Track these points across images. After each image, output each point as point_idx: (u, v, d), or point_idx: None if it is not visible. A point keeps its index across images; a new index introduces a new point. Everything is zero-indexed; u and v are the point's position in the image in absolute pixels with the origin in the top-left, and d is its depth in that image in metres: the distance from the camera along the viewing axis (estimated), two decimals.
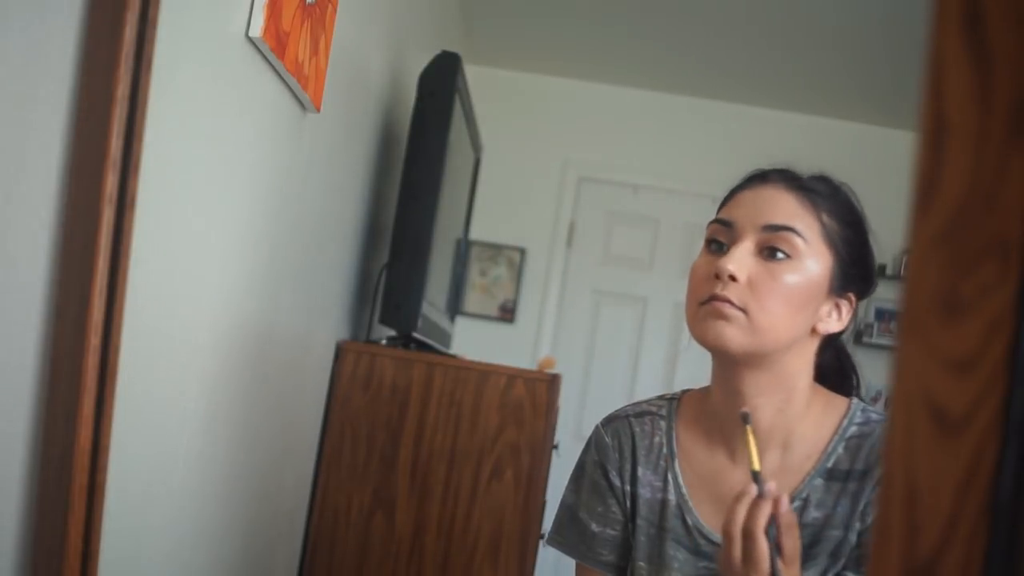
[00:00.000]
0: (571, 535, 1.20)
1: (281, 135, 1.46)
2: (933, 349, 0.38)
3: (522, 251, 4.03)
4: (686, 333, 1.19)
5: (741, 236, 1.04)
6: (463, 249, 3.19)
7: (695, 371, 4.17)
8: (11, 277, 0.79)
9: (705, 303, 1.03)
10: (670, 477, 1.13)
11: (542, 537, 2.20)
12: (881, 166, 3.44)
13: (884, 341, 3.73)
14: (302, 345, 1.82)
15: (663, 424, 1.16)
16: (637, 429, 1.17)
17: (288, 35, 1.31)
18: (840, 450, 1.06)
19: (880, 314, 3.82)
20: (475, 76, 3.07)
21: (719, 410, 1.11)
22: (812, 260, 1.03)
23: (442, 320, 2.61)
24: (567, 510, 1.22)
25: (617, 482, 1.16)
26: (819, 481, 1.05)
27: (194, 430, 1.26)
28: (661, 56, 3.66)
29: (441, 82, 2.11)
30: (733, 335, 1.02)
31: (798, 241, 1.02)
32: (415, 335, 2.14)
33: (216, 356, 1.31)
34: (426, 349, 2.30)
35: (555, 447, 2.18)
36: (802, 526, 1.02)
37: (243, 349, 1.42)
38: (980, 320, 0.37)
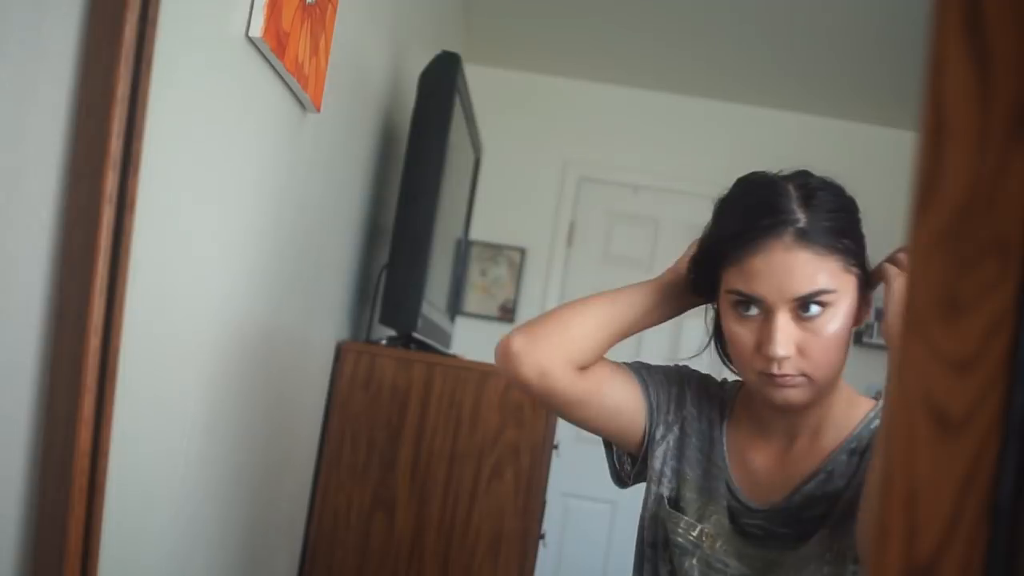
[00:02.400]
0: (634, 363, 1.30)
1: (281, 135, 1.46)
2: (933, 349, 0.38)
3: (522, 251, 4.03)
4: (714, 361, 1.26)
5: (773, 309, 1.06)
6: (463, 249, 3.19)
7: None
8: (11, 277, 0.79)
9: (765, 375, 1.09)
10: (720, 433, 1.22)
11: (542, 537, 2.20)
12: (881, 166, 3.44)
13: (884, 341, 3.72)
14: (302, 345, 1.82)
15: (723, 395, 1.26)
16: (709, 386, 1.28)
17: (288, 35, 1.31)
18: (865, 435, 1.14)
19: (880, 314, 3.82)
20: (475, 76, 3.07)
21: (757, 401, 1.19)
22: (843, 297, 1.07)
23: (442, 320, 2.61)
24: (639, 363, 1.31)
25: (686, 392, 1.26)
26: (843, 457, 1.13)
27: (194, 431, 1.26)
28: (661, 56, 3.66)
29: (441, 82, 2.11)
30: (800, 397, 1.09)
31: (828, 296, 1.06)
32: (415, 335, 2.14)
33: (216, 356, 1.31)
34: (426, 349, 2.30)
35: (555, 447, 2.18)
36: (827, 495, 1.11)
37: (243, 349, 1.42)
38: (980, 320, 0.37)
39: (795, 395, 1.08)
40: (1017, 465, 0.37)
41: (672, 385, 1.26)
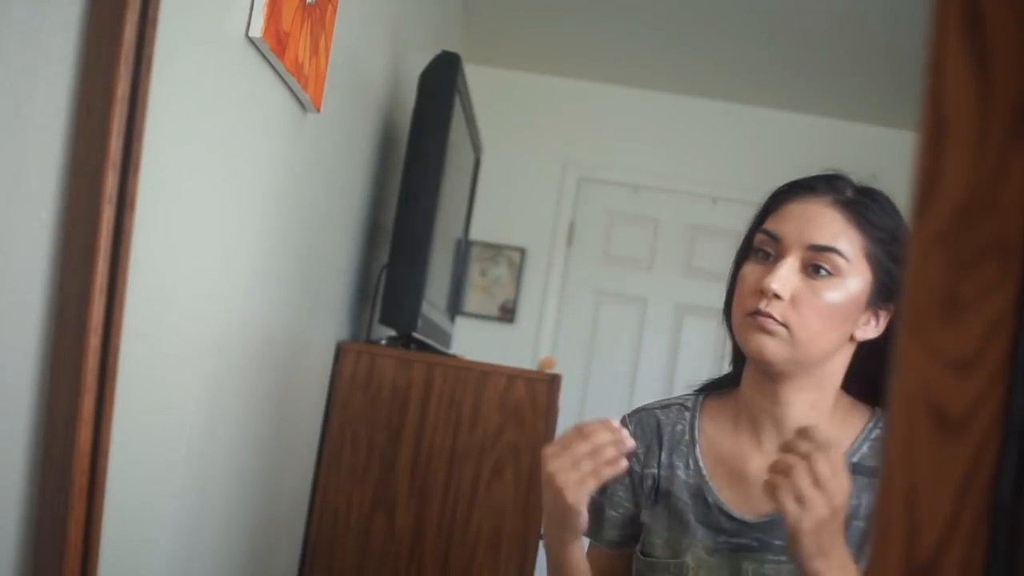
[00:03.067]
0: (591, 519, 1.22)
1: (281, 135, 1.46)
2: (933, 349, 0.38)
3: (522, 251, 4.03)
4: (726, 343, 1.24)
5: (787, 251, 1.09)
6: (463, 249, 3.19)
7: (695, 371, 4.17)
8: (11, 277, 0.79)
9: (750, 314, 1.09)
10: (691, 461, 1.19)
11: (542, 537, 2.20)
12: (881, 166, 3.44)
13: None
14: (302, 345, 1.82)
15: (687, 414, 1.23)
16: (662, 418, 1.23)
17: (288, 35, 1.31)
18: (865, 448, 1.13)
19: None
20: (475, 76, 3.07)
21: (749, 398, 1.17)
22: (853, 278, 1.08)
23: (442, 320, 2.61)
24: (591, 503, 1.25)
25: (635, 467, 1.21)
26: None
27: (194, 430, 1.26)
28: (661, 56, 3.66)
29: (441, 82, 2.11)
30: (774, 348, 1.08)
31: (840, 261, 1.07)
32: (415, 335, 2.14)
33: (216, 356, 1.31)
34: (426, 349, 2.30)
35: None
36: None
37: (243, 349, 1.42)
38: (980, 320, 0.37)
39: (771, 344, 1.07)
40: (1017, 465, 0.37)
41: (623, 475, 1.19)
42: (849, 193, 1.11)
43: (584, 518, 1.05)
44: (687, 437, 1.20)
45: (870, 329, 1.12)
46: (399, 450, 2.08)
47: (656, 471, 1.21)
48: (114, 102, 0.81)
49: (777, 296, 1.07)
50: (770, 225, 1.12)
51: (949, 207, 0.38)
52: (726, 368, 1.26)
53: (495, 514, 2.06)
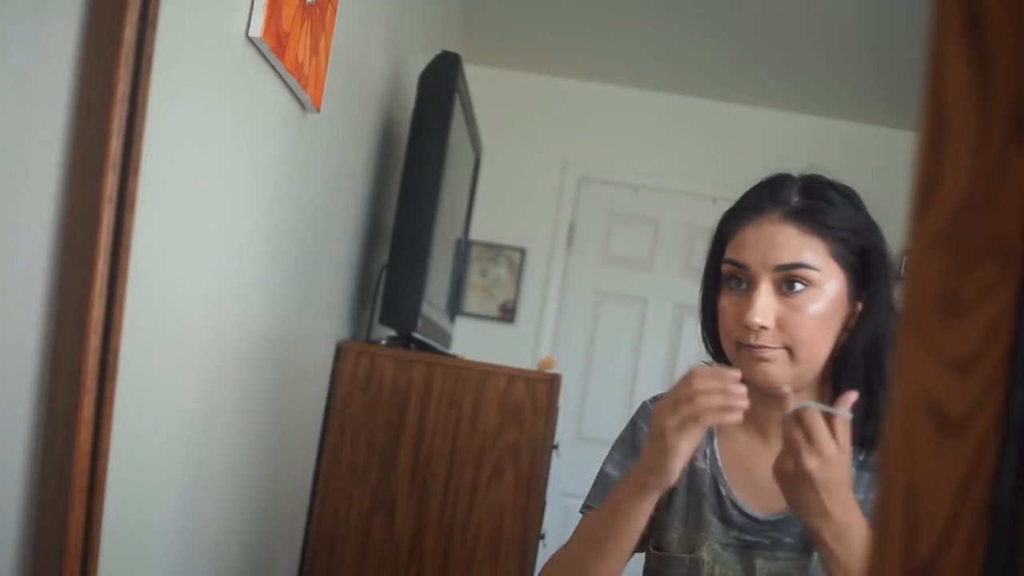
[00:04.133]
0: (601, 495, 1.22)
1: (281, 135, 1.46)
2: (933, 349, 0.38)
3: (522, 251, 4.03)
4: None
5: (757, 278, 1.10)
6: (463, 249, 3.19)
7: None
8: (11, 277, 0.79)
9: (744, 346, 1.10)
10: (708, 452, 1.20)
11: (542, 537, 2.20)
12: (881, 166, 3.44)
13: None
14: (302, 345, 1.82)
15: None
16: None
17: (288, 35, 1.31)
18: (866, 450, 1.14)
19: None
20: (475, 76, 3.07)
21: (755, 407, 1.17)
22: (828, 283, 1.09)
23: (442, 320, 2.61)
24: (600, 474, 1.25)
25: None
26: (852, 470, 1.11)
27: (194, 430, 1.26)
28: (661, 56, 3.66)
29: (441, 82, 2.11)
30: (778, 372, 1.09)
31: (811, 273, 1.08)
32: (415, 335, 2.14)
33: (216, 356, 1.31)
34: (426, 349, 2.30)
35: (555, 447, 2.18)
36: None
37: (243, 349, 1.42)
38: (980, 320, 0.37)
39: (772, 369, 1.08)
40: (1017, 465, 0.37)
41: (638, 454, 1.19)
42: (796, 200, 1.11)
43: (675, 468, 1.01)
44: (707, 429, 1.21)
45: (855, 317, 1.13)
46: (399, 450, 2.08)
47: None
48: (114, 102, 0.81)
49: (763, 327, 1.08)
50: (733, 254, 1.12)
51: (949, 207, 0.38)
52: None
53: (495, 514, 2.06)
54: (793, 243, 1.08)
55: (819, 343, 1.09)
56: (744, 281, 1.11)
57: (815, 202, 1.10)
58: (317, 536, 2.08)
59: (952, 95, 0.38)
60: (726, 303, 1.13)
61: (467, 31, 3.68)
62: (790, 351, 1.08)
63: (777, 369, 1.08)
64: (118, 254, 0.85)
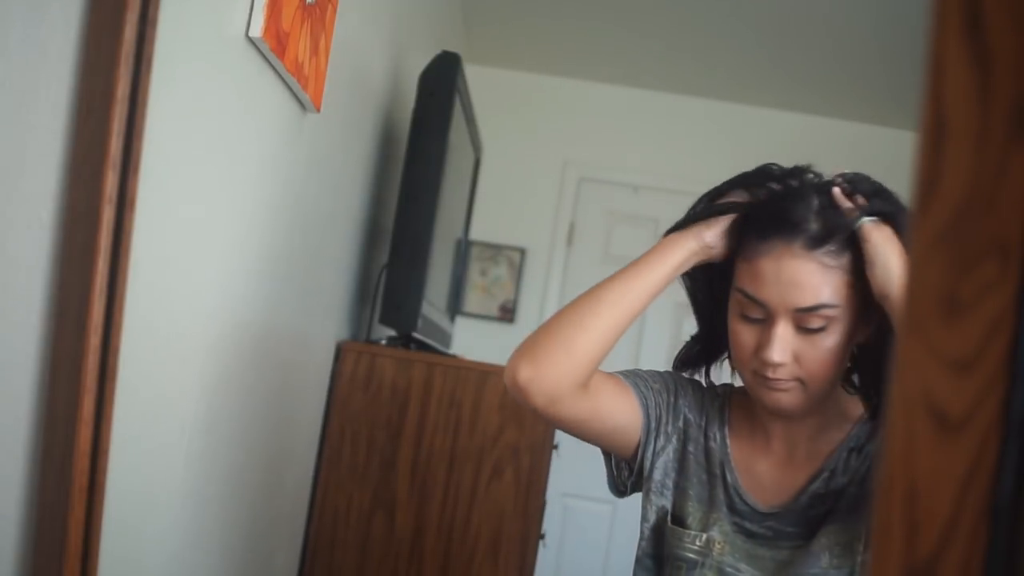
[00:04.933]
0: (626, 371, 1.25)
1: (281, 135, 1.46)
2: (933, 349, 0.38)
3: (522, 251, 4.03)
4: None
5: (775, 317, 1.08)
6: (463, 249, 3.19)
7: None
8: (11, 277, 0.79)
9: (759, 375, 1.10)
10: (718, 436, 1.22)
11: (542, 537, 2.20)
12: (881, 166, 3.44)
13: None
14: (302, 345, 1.82)
15: (718, 400, 1.26)
16: (704, 392, 1.27)
17: (288, 35, 1.31)
18: (862, 433, 1.16)
19: None
20: (475, 76, 3.07)
21: (759, 412, 1.20)
22: (844, 315, 1.07)
23: (442, 320, 2.61)
24: (630, 371, 1.26)
25: (681, 401, 1.23)
26: (843, 454, 1.15)
27: (194, 430, 1.26)
28: (661, 56, 3.66)
29: (441, 82, 2.11)
30: (791, 402, 1.11)
31: (830, 312, 1.07)
32: (415, 335, 2.14)
33: (216, 356, 1.31)
34: (426, 349, 2.30)
35: (555, 447, 2.18)
36: (831, 492, 1.13)
37: (243, 349, 1.42)
38: (980, 320, 0.37)
39: (787, 400, 1.10)
40: (1017, 465, 0.37)
41: (669, 394, 1.24)
42: (814, 226, 1.06)
43: (718, 229, 1.13)
44: (718, 417, 1.24)
45: (865, 332, 1.13)
46: (399, 450, 2.08)
47: (696, 431, 1.22)
48: (114, 102, 0.81)
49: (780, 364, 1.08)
50: (751, 288, 1.09)
51: (949, 207, 0.38)
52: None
53: (495, 514, 2.06)
54: (813, 281, 1.05)
55: (834, 372, 1.10)
56: (758, 316, 1.10)
57: (831, 222, 1.07)
58: (317, 536, 2.08)
59: (952, 95, 0.38)
60: (741, 330, 1.12)
61: (467, 31, 3.68)
62: (804, 384, 1.09)
63: (791, 399, 1.10)
64: (118, 254, 0.85)
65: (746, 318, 1.11)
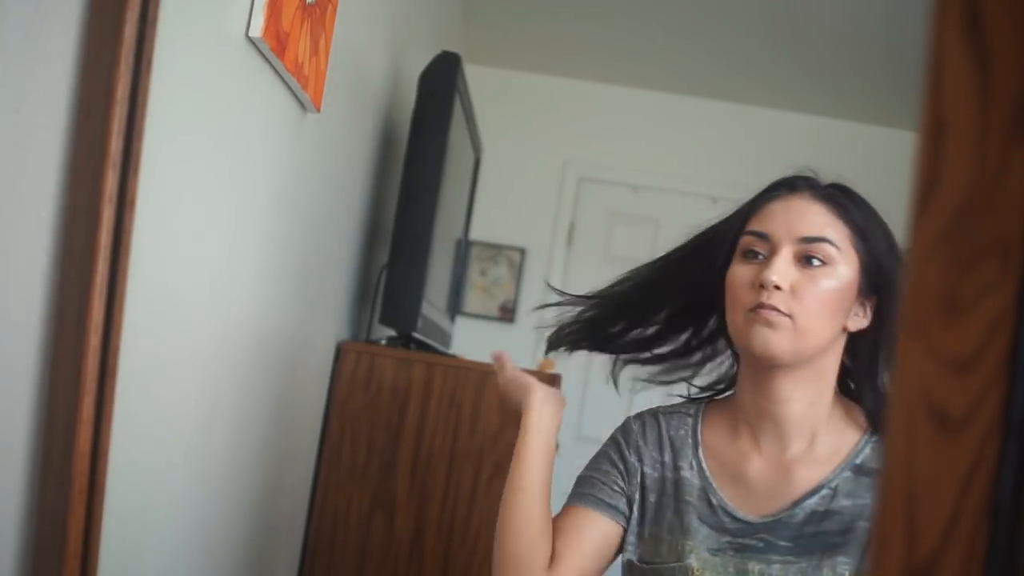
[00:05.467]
0: (574, 494, 1.27)
1: (281, 135, 1.46)
2: (933, 349, 0.38)
3: (522, 251, 4.03)
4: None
5: (778, 247, 1.11)
6: (463, 249, 3.19)
7: None
8: (11, 277, 0.79)
9: (752, 310, 1.10)
10: (695, 463, 1.20)
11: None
12: (881, 166, 3.44)
13: None
14: (302, 345, 1.82)
15: (689, 420, 1.25)
16: (663, 423, 1.25)
17: (288, 35, 1.31)
18: (868, 450, 1.14)
19: None
20: (475, 76, 3.07)
21: (748, 402, 1.18)
22: (844, 266, 1.11)
23: (442, 320, 2.61)
24: (578, 480, 1.29)
25: (632, 460, 1.23)
26: (848, 474, 1.13)
27: (194, 431, 1.26)
28: (661, 56, 3.66)
29: (441, 82, 2.11)
30: (779, 342, 1.09)
31: (832, 250, 1.10)
32: (415, 335, 2.14)
33: (216, 356, 1.31)
34: (426, 349, 2.30)
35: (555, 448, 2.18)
36: (832, 513, 1.10)
37: (243, 349, 1.42)
38: (980, 320, 0.37)
39: (774, 339, 1.09)
40: (1017, 465, 0.37)
41: (620, 471, 1.23)
42: (829, 188, 1.15)
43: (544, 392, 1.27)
44: (690, 440, 1.22)
45: (859, 320, 1.14)
46: (399, 450, 2.08)
47: (658, 473, 1.22)
48: (114, 102, 0.81)
49: (778, 287, 1.08)
50: (755, 225, 1.14)
51: (949, 207, 0.38)
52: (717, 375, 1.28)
53: (495, 514, 2.05)
54: (820, 219, 1.11)
55: (823, 321, 1.09)
56: (762, 252, 1.13)
57: (843, 194, 1.15)
58: (317, 536, 2.08)
59: (952, 95, 0.38)
60: (741, 270, 1.13)
61: (467, 31, 3.68)
62: (794, 321, 1.08)
63: (779, 339, 1.09)
64: (118, 254, 0.85)
65: (747, 257, 1.14)
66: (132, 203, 0.86)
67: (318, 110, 1.57)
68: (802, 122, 3.98)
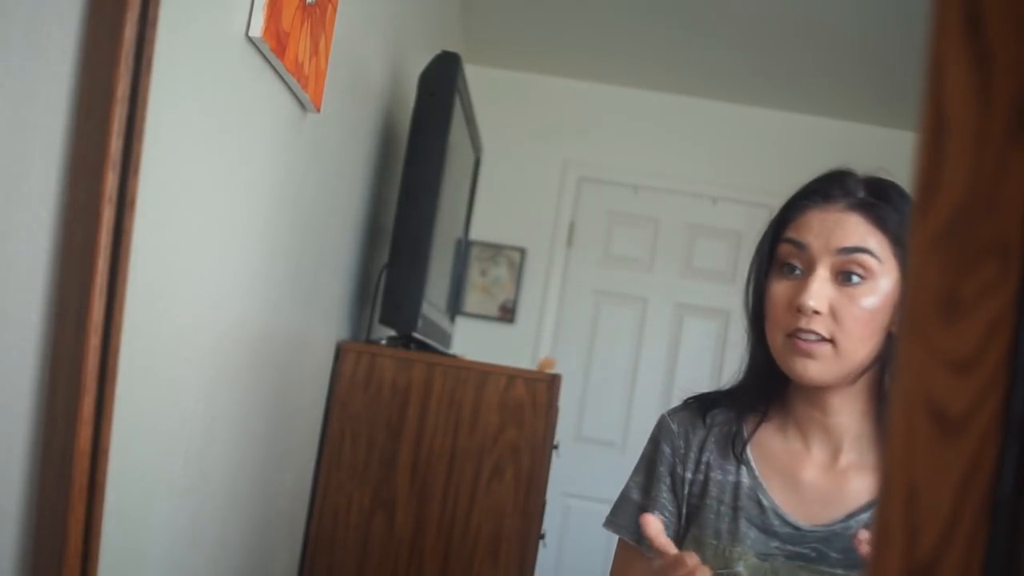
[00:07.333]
0: (624, 516, 1.22)
1: (281, 135, 1.46)
2: (933, 349, 0.38)
3: (522, 251, 4.03)
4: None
5: (815, 261, 1.08)
6: (463, 249, 3.19)
7: (695, 373, 4.16)
8: (11, 277, 0.79)
9: (790, 335, 1.07)
10: (743, 463, 1.16)
11: (542, 537, 2.20)
12: (881, 166, 3.44)
13: None
14: (302, 345, 1.82)
15: (733, 415, 1.20)
16: (705, 420, 1.21)
17: (288, 35, 1.31)
18: None
19: None
20: (475, 76, 3.07)
21: (798, 410, 1.15)
22: (885, 277, 1.07)
23: (442, 320, 2.61)
24: (624, 494, 1.24)
25: (678, 468, 1.19)
26: None
27: (194, 430, 1.26)
28: (661, 56, 3.66)
29: (441, 82, 2.11)
30: (819, 371, 1.06)
31: (872, 261, 1.06)
32: (415, 335, 2.14)
33: (216, 356, 1.31)
34: (426, 349, 2.30)
35: (555, 447, 2.18)
36: None
37: (243, 349, 1.42)
38: (980, 320, 0.37)
39: (814, 368, 1.06)
40: (1017, 465, 0.37)
41: (666, 477, 1.20)
42: (862, 194, 1.10)
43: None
44: (737, 438, 1.18)
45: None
46: (399, 450, 2.08)
47: (702, 475, 1.18)
48: (114, 102, 0.81)
49: (816, 312, 1.05)
50: (794, 234, 1.10)
51: (949, 207, 0.38)
52: (732, 373, 1.23)
53: (495, 514, 2.06)
54: (860, 229, 1.07)
55: (866, 340, 1.06)
56: (799, 266, 1.09)
57: (880, 200, 1.09)
58: (317, 536, 2.08)
59: (952, 95, 0.38)
60: (777, 289, 1.10)
61: (467, 31, 3.68)
62: (836, 345, 1.05)
63: (820, 367, 1.06)
64: (118, 254, 0.85)
65: (784, 272, 1.10)
66: (132, 203, 0.86)
67: (318, 110, 1.57)
68: (802, 122, 3.98)
